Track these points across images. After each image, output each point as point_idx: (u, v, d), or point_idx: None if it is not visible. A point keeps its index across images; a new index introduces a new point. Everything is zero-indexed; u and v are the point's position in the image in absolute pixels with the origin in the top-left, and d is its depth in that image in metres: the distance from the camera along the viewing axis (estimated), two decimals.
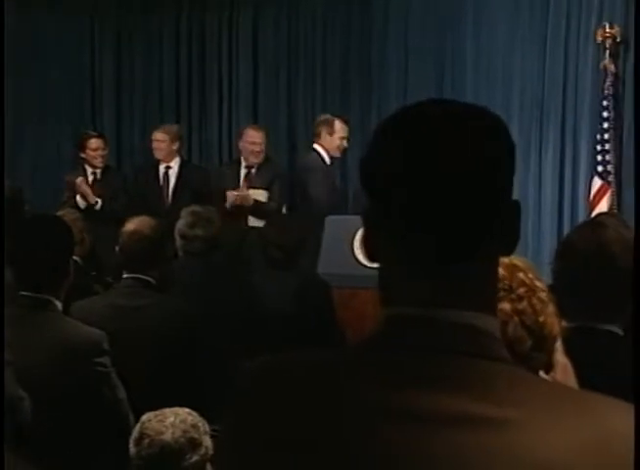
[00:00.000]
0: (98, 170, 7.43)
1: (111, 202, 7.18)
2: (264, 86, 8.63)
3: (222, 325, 4.08)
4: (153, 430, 2.58)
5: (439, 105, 1.14)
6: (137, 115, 8.90)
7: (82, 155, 7.44)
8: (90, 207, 7.04)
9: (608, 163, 7.23)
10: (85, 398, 3.12)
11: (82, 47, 8.86)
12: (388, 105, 8.10)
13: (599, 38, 7.35)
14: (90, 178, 7.38)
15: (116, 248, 3.95)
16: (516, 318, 1.79)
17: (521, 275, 1.86)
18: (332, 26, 8.43)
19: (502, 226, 1.10)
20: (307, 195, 7.00)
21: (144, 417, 2.65)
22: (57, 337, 3.14)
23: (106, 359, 3.19)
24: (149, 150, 7.70)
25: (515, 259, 1.83)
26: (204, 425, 2.62)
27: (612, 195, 7.20)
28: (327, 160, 7.21)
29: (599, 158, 7.26)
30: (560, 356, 1.88)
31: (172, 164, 7.48)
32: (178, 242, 4.32)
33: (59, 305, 3.26)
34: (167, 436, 2.56)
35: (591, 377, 1.66)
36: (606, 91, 7.27)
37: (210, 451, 2.55)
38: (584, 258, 2.36)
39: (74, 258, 3.55)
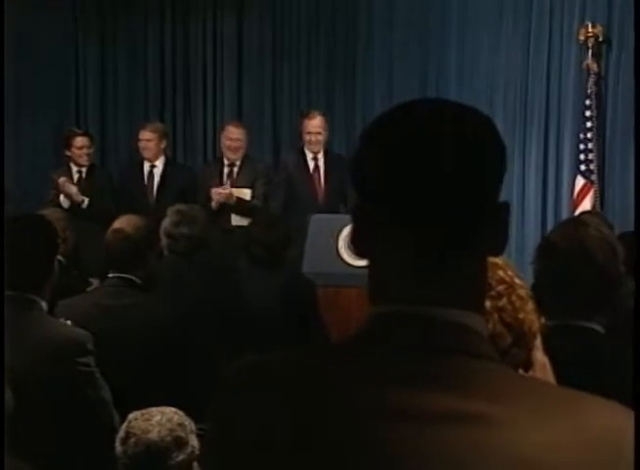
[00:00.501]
0: (83, 169, 7.39)
1: (96, 201, 7.16)
2: (249, 86, 8.60)
3: (208, 324, 4.08)
4: (139, 429, 2.57)
5: (430, 104, 1.15)
6: (121, 113, 8.86)
7: (68, 153, 7.40)
8: (75, 206, 7.01)
9: (591, 161, 7.25)
10: (69, 398, 3.10)
11: (66, 46, 8.81)
12: (372, 105, 8.12)
13: (581, 38, 7.38)
14: (75, 177, 7.33)
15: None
16: (495, 315, 1.80)
17: (500, 273, 1.86)
18: (316, 27, 8.41)
19: (491, 226, 1.11)
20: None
21: (130, 416, 2.65)
22: (41, 337, 3.11)
23: (90, 359, 3.17)
24: (134, 148, 7.69)
25: (494, 258, 1.84)
26: (190, 424, 2.61)
27: (595, 193, 7.23)
28: (308, 156, 7.24)
29: (582, 157, 7.29)
30: (539, 355, 1.90)
31: (157, 162, 7.46)
32: (164, 241, 4.32)
33: (43, 304, 3.23)
34: (154, 434, 2.56)
35: (572, 374, 1.67)
36: (588, 90, 7.30)
37: (197, 451, 2.54)
38: (565, 256, 2.37)
39: (58, 257, 3.53)
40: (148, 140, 7.42)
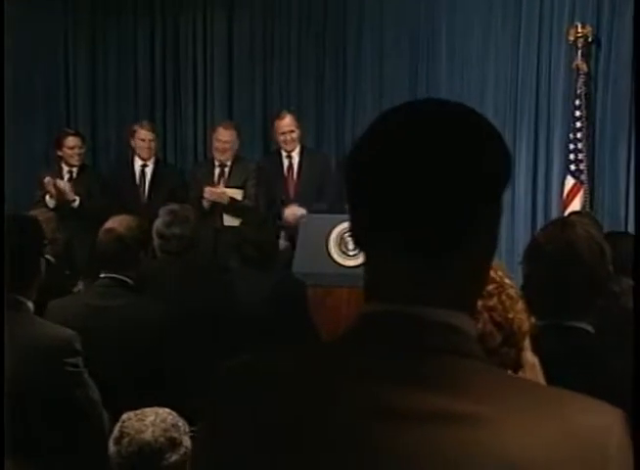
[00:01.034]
0: (74, 169, 7.39)
1: (86, 201, 7.15)
2: (239, 86, 8.58)
3: (199, 324, 4.08)
4: (133, 429, 2.57)
5: (428, 104, 1.16)
6: (112, 114, 8.84)
7: (59, 153, 7.39)
8: (62, 205, 6.99)
9: (580, 161, 7.25)
10: (58, 398, 3.09)
11: (56, 47, 8.78)
12: (363, 105, 8.13)
13: (571, 38, 7.35)
14: (66, 177, 7.32)
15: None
16: (485, 314, 1.81)
17: (490, 273, 1.87)
18: (307, 26, 8.40)
19: (482, 229, 1.12)
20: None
21: (124, 416, 2.64)
22: (28, 337, 3.09)
23: (77, 360, 3.15)
24: (125, 148, 7.68)
25: None
26: (183, 425, 2.60)
27: (584, 193, 7.24)
28: (283, 155, 7.29)
29: (571, 157, 7.28)
30: (528, 355, 1.90)
31: (149, 162, 7.48)
32: (156, 241, 4.31)
33: (30, 305, 3.21)
34: (147, 435, 2.56)
35: (563, 374, 1.68)
36: (578, 90, 7.29)
37: (190, 452, 2.55)
38: (553, 257, 2.38)
39: (48, 257, 3.51)
40: (150, 140, 7.47)
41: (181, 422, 2.62)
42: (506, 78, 7.73)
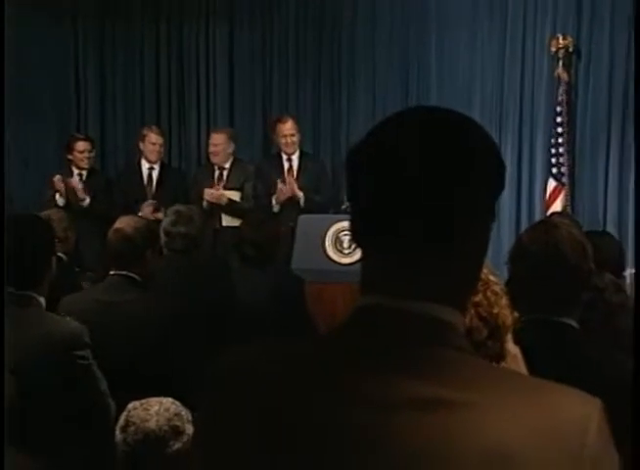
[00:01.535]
0: (84, 172, 7.39)
1: (95, 201, 7.15)
2: (240, 93, 8.60)
3: (202, 319, 4.07)
4: (138, 418, 2.57)
5: (426, 112, 1.15)
6: (120, 120, 8.84)
7: (69, 156, 7.39)
8: (72, 204, 6.99)
9: (562, 165, 7.29)
10: (67, 389, 3.08)
11: (67, 53, 8.78)
12: (356, 110, 8.13)
13: (553, 49, 7.42)
14: (76, 179, 7.32)
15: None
16: (472, 310, 1.81)
17: None
18: (304, 35, 8.40)
19: (475, 232, 1.12)
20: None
21: (130, 405, 2.64)
22: (39, 331, 3.08)
23: (87, 352, 3.14)
24: (132, 152, 7.69)
25: None
26: (187, 414, 2.60)
27: (565, 195, 7.26)
28: (283, 158, 7.30)
29: (553, 160, 7.33)
30: (510, 346, 1.90)
31: (156, 165, 7.49)
32: (162, 239, 4.30)
33: (42, 300, 3.20)
34: (152, 423, 2.55)
35: (547, 367, 1.68)
36: (559, 98, 7.34)
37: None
38: (538, 258, 2.38)
39: (59, 254, 3.51)
40: (159, 144, 7.49)
41: (184, 411, 2.61)
42: (492, 87, 7.76)
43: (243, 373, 1.14)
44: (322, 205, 7.02)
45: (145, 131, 7.51)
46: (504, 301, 1.90)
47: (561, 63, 7.36)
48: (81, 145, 7.41)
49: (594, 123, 7.46)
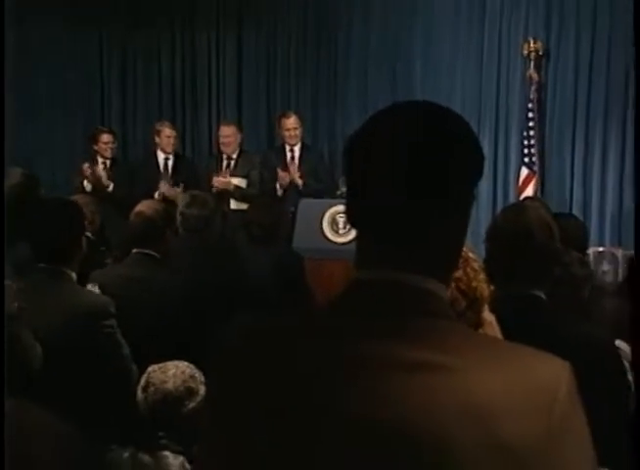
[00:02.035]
0: (107, 161, 7.37)
1: (117, 188, 7.15)
2: (247, 93, 8.58)
3: (213, 291, 4.07)
4: (157, 379, 2.57)
5: (413, 105, 1.14)
6: (139, 116, 8.83)
7: (95, 147, 7.38)
8: (98, 189, 6.97)
9: (533, 155, 7.32)
10: (94, 353, 3.08)
11: (93, 58, 8.77)
12: (350, 109, 8.12)
13: (525, 52, 7.43)
14: (101, 167, 7.31)
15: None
16: (453, 284, 1.81)
17: None
18: (303, 40, 8.37)
19: (457, 215, 1.11)
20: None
21: (150, 369, 2.64)
22: (70, 302, 3.09)
23: (112, 321, 3.15)
24: (149, 144, 7.68)
25: None
26: (200, 376, 2.60)
27: (536, 182, 7.27)
28: (287, 148, 7.31)
29: (525, 151, 7.36)
30: (487, 315, 1.91)
31: (170, 155, 7.47)
32: (178, 220, 4.30)
33: (73, 275, 3.20)
34: (169, 385, 2.55)
35: (519, 333, 1.68)
36: (531, 96, 7.35)
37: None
38: (509, 236, 2.37)
39: (87, 234, 3.50)
40: (174, 137, 7.47)
41: (198, 373, 2.61)
42: (471, 86, 7.75)
43: (252, 339, 1.14)
44: (319, 190, 7.03)
45: (159, 126, 7.51)
46: (482, 276, 1.90)
47: (532, 64, 7.37)
48: (105, 137, 7.39)
49: (561, 118, 7.48)
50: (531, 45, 7.38)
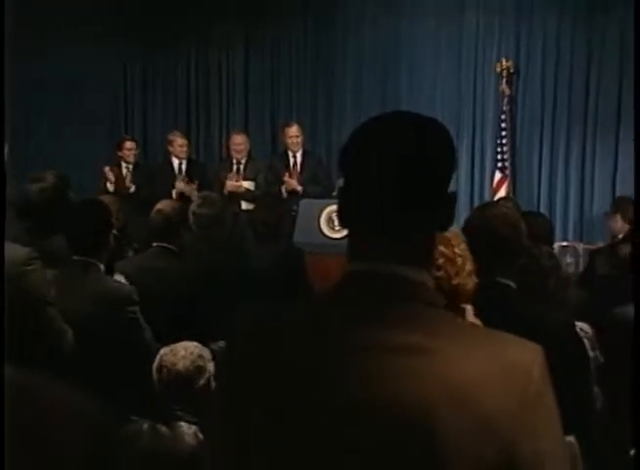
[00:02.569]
0: (130, 165, 7.35)
1: (138, 189, 7.13)
2: (253, 105, 8.55)
3: (222, 282, 4.06)
4: (169, 362, 2.54)
5: (399, 114, 1.13)
6: (158, 126, 8.80)
7: (119, 153, 7.36)
8: (120, 190, 6.93)
9: (505, 161, 7.36)
10: (120, 336, 3.08)
11: (117, 74, 8.76)
12: (345, 118, 8.09)
13: (498, 69, 7.48)
14: (124, 171, 7.30)
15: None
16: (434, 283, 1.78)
17: (441, 248, 1.84)
18: (304, 60, 8.35)
19: (441, 210, 1.10)
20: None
21: (161, 351, 2.60)
22: (99, 290, 3.09)
23: (135, 308, 3.15)
24: (166, 151, 7.66)
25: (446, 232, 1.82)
26: (207, 354, 2.58)
27: (508, 184, 7.31)
28: (290, 155, 7.28)
29: (499, 157, 7.39)
30: (464, 304, 1.89)
31: (184, 161, 7.45)
32: (190, 218, 4.29)
33: (101, 266, 3.21)
34: (180, 366, 2.52)
35: (494, 318, 1.67)
36: (504, 108, 7.39)
37: (212, 375, 2.51)
38: (476, 231, 2.36)
39: (114, 232, 3.49)
40: (185, 144, 7.44)
41: (205, 352, 2.59)
42: (450, 99, 7.75)
43: (255, 336, 1.13)
44: (318, 193, 7.00)
45: (171, 136, 7.47)
46: (466, 269, 1.86)
47: (504, 80, 7.40)
48: (129, 144, 7.39)
49: (530, 128, 7.52)
50: (503, 64, 7.43)
